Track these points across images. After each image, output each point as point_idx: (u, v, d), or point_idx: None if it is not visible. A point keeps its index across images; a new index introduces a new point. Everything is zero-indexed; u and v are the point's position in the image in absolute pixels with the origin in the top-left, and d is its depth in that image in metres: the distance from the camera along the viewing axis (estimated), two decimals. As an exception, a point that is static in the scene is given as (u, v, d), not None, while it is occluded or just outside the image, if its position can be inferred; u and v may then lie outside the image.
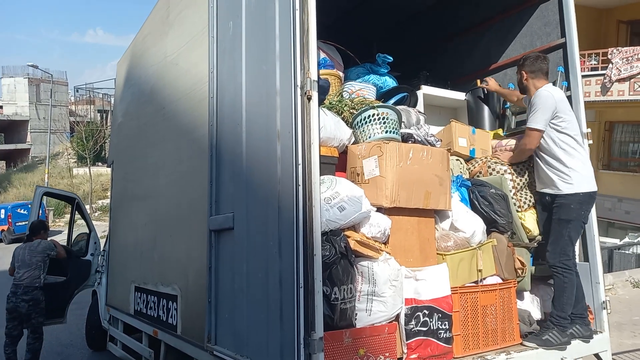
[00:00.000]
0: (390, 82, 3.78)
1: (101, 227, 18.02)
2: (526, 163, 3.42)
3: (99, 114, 36.82)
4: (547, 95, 3.07)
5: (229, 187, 2.92)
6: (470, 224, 2.95)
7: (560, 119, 3.05)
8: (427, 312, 2.51)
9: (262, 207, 2.56)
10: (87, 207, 26.19)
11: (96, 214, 24.87)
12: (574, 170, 3.04)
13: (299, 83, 2.31)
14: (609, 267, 10.46)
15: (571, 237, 3.04)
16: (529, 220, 3.32)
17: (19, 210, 21.64)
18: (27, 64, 32.69)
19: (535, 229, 3.32)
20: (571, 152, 3.05)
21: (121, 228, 5.07)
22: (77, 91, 39.64)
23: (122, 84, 5.53)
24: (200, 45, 3.35)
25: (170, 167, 3.87)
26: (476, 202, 3.16)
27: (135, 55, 5.08)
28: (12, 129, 45.23)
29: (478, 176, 3.44)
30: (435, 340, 2.52)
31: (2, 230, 21.59)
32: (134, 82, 5.00)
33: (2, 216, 21.64)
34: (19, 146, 44.17)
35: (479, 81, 4.08)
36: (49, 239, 5.78)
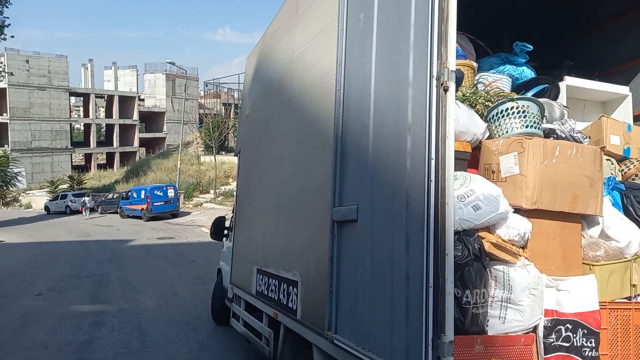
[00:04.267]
0: (528, 73, 3.49)
1: (223, 211, 19.53)
2: (697, 166, 2.92)
3: (223, 107, 39.77)
4: None
5: (353, 179, 2.92)
6: (626, 233, 2.60)
7: None
8: (570, 327, 2.27)
9: (388, 201, 2.50)
10: (211, 192, 28.52)
11: (219, 199, 26.92)
12: None
13: (434, 73, 2.21)
14: None
15: None
16: (698, 233, 2.84)
17: (155, 192, 24.29)
18: (165, 61, 36.35)
19: None
20: None
21: (246, 213, 5.38)
22: (206, 86, 43.19)
23: (250, 77, 5.85)
24: (328, 38, 3.38)
25: (294, 157, 3.99)
26: (631, 208, 2.78)
27: (263, 50, 5.33)
28: (151, 119, 51.03)
29: (634, 179, 3.03)
30: (579, 358, 2.28)
31: (142, 209, 24.43)
32: (262, 75, 5.25)
33: (142, 197, 24.47)
34: (157, 135, 49.75)
35: None
36: None
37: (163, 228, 21.20)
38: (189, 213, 25.76)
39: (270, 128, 4.76)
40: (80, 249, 15.67)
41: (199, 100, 48.08)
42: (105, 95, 50.20)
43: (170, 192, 24.52)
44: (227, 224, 6.71)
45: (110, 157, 48.04)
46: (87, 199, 28.26)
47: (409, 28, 2.47)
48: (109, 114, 49.58)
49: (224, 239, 6.78)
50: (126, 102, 47.41)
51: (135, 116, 47.71)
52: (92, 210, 29.03)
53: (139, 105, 48.32)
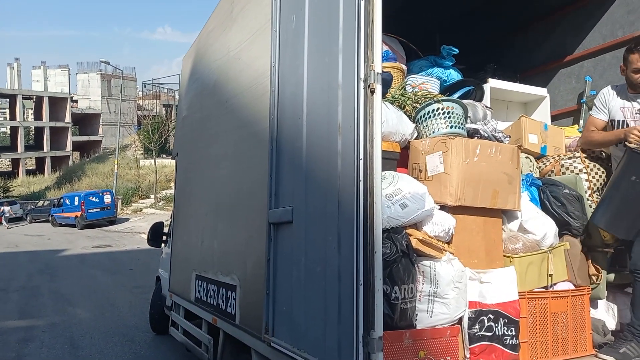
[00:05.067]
0: (455, 75, 3.63)
1: (164, 216, 18.92)
2: (604, 162, 3.18)
3: (164, 108, 38.56)
4: None
5: (289, 181, 2.93)
6: (542, 226, 2.78)
7: None
8: (492, 317, 2.39)
9: (321, 202, 2.53)
10: (152, 197, 27.58)
11: (160, 204, 26.07)
12: None
13: (362, 76, 2.26)
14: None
15: None
16: (606, 224, 3.08)
17: (91, 198, 23.13)
18: (99, 61, 34.75)
19: (612, 233, 3.08)
20: None
21: (184, 217, 5.25)
22: (145, 86, 41.71)
23: (187, 78, 5.71)
24: (263, 39, 3.37)
25: (231, 159, 3.94)
26: (547, 203, 2.97)
27: (199, 50, 5.22)
28: (85, 121, 48.50)
29: (550, 175, 3.24)
30: (500, 347, 2.40)
31: (76, 217, 23.19)
32: (198, 76, 5.14)
33: (76, 203, 23.23)
34: (92, 138, 47.32)
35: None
36: None
37: (99, 236, 20.24)
38: (127, 219, 24.75)
39: (207, 129, 4.67)
40: (8, 261, 14.62)
41: (138, 101, 46.26)
42: (34, 97, 47.14)
43: (107, 198, 23.46)
44: (167, 229, 6.51)
45: (40, 162, 45.17)
46: (6, 208, 26.44)
47: (338, 31, 2.50)
48: (38, 117, 46.59)
49: (163, 245, 6.58)
50: (57, 103, 44.70)
51: (68, 118, 45.11)
52: (19, 219, 27.21)
53: (71, 106, 45.76)
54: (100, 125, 47.33)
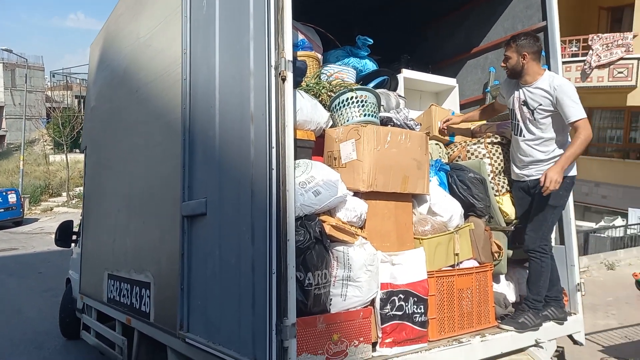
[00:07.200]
0: (370, 66, 3.70)
1: (77, 215, 17.72)
2: (505, 147, 3.40)
3: (76, 100, 35.94)
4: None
5: (202, 172, 2.84)
6: (448, 208, 2.93)
7: None
8: (402, 297, 2.48)
9: (234, 192, 2.48)
10: (64, 194, 25.71)
11: (73, 202, 24.38)
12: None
13: (273, 63, 2.23)
14: (584, 250, 10.68)
15: (553, 223, 3.05)
16: (507, 204, 3.32)
17: (-7, 198, 21.08)
18: (1, 48, 31.66)
19: (512, 213, 3.32)
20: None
21: (94, 215, 4.94)
22: (54, 76, 38.57)
23: (95, 66, 5.35)
24: (174, 25, 3.23)
25: (143, 152, 3.76)
26: (454, 186, 3.14)
27: (108, 37, 4.91)
28: (-15, 114, 43.91)
29: (457, 160, 3.42)
30: (410, 324, 2.50)
31: (-23, 218, 21.03)
32: (108, 64, 4.84)
33: (-23, 204, 21.07)
34: (-7, 132, 42.97)
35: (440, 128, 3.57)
36: None
37: (4, 238, 18.50)
38: (36, 220, 22.87)
39: (117, 121, 4.42)
40: None
41: (46, 92, 42.68)
42: None
43: (12, 197, 21.50)
44: (78, 228, 6.09)
45: None
46: None
47: (249, 17, 2.45)
48: None
49: (73, 245, 6.16)
50: (-50, 94, 40.12)
51: (-36, 111, 40.69)
52: None
53: (-32, 98, 41.30)
54: (4, 119, 43.12)
